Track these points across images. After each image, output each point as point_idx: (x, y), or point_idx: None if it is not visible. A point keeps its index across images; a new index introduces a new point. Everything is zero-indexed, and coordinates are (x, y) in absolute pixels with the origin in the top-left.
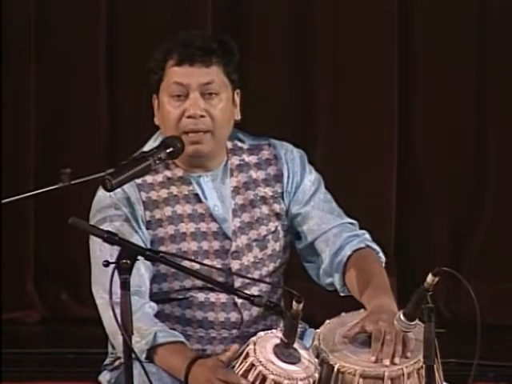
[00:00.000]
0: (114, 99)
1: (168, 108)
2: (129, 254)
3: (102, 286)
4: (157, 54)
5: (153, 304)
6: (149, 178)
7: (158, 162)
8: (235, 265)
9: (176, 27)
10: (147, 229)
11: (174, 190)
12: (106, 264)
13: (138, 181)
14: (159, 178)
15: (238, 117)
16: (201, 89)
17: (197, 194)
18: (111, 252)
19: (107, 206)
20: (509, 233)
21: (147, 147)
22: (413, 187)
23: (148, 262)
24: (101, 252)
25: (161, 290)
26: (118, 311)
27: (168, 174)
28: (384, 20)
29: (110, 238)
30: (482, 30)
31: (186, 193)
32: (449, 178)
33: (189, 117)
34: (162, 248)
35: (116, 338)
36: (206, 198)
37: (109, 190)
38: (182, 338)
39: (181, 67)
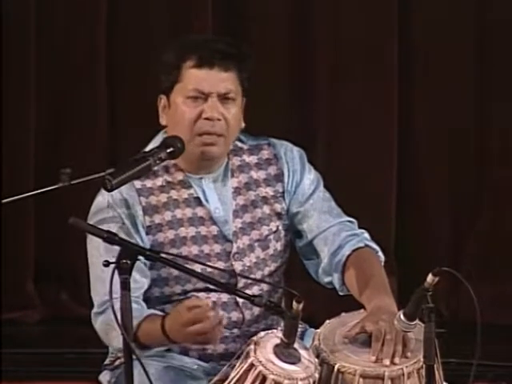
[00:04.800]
0: (113, 99)
1: (183, 108)
2: (129, 254)
3: (98, 296)
4: (170, 55)
5: (140, 301)
6: (148, 183)
7: (158, 161)
8: (238, 266)
9: (176, 27)
10: (147, 234)
11: (173, 194)
12: (106, 264)
13: (138, 185)
14: (158, 182)
15: (243, 125)
16: (220, 95)
17: (197, 198)
18: (107, 258)
19: (104, 210)
20: (509, 233)
21: (149, 148)
22: (413, 187)
23: (144, 269)
24: (97, 259)
25: (162, 294)
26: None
27: (168, 177)
28: (384, 21)
29: (110, 237)
30: (482, 31)
31: (186, 196)
32: (449, 178)
33: (206, 119)
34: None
35: (106, 337)
36: (207, 201)
37: (109, 190)
38: (149, 311)
39: (200, 70)
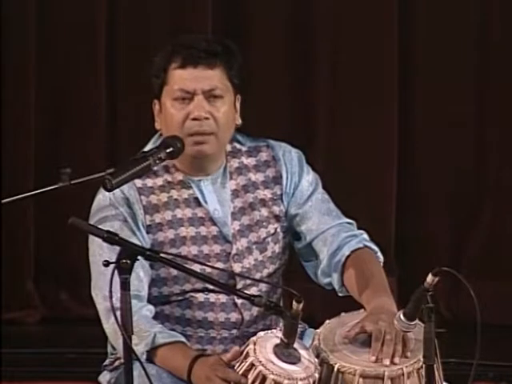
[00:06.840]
0: (113, 99)
1: (172, 111)
2: (129, 253)
3: (101, 291)
4: (158, 58)
5: (151, 307)
6: (149, 182)
7: (157, 161)
8: (237, 268)
9: (176, 27)
10: (147, 233)
11: (174, 193)
12: (106, 264)
13: (139, 184)
14: (159, 181)
15: (239, 122)
16: (205, 92)
17: (197, 198)
18: (110, 255)
19: (106, 208)
20: (509, 233)
21: (146, 149)
22: (413, 187)
23: (147, 266)
24: (100, 256)
25: (161, 294)
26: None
27: (168, 177)
28: (384, 22)
29: (110, 237)
30: (483, 31)
31: (186, 196)
32: (449, 178)
33: (193, 119)
34: None
35: (117, 341)
36: (206, 202)
37: (109, 190)
38: (181, 338)
39: (185, 70)
